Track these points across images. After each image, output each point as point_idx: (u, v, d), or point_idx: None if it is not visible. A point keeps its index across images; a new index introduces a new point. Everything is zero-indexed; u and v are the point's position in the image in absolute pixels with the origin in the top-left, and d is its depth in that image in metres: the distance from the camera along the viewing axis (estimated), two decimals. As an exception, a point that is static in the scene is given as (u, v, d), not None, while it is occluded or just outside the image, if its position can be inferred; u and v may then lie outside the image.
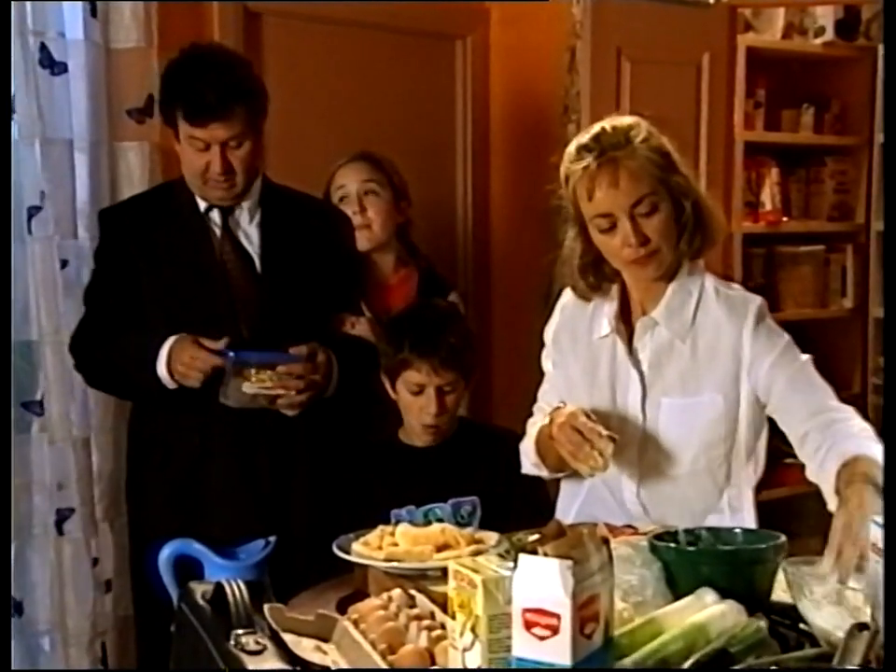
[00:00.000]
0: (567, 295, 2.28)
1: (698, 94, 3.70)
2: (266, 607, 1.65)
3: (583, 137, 2.07)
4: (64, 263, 2.81)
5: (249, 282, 2.57)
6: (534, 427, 2.23)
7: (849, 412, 2.01)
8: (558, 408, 2.12)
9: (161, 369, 2.48)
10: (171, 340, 2.48)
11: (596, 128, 2.07)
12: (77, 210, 2.84)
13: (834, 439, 1.93)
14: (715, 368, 2.10)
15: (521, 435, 2.29)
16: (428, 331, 2.47)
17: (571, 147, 2.08)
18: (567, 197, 2.09)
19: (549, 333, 2.30)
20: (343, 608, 1.81)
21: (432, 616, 1.65)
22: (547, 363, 2.30)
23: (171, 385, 2.50)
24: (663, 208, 2.05)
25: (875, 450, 1.85)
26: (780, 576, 1.70)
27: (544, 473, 2.25)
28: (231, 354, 2.44)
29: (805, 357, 2.10)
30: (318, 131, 3.34)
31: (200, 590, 1.71)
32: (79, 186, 2.84)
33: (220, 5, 3.15)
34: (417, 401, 2.47)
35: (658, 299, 2.13)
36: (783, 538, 1.76)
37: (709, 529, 1.86)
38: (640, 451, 2.13)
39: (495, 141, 3.89)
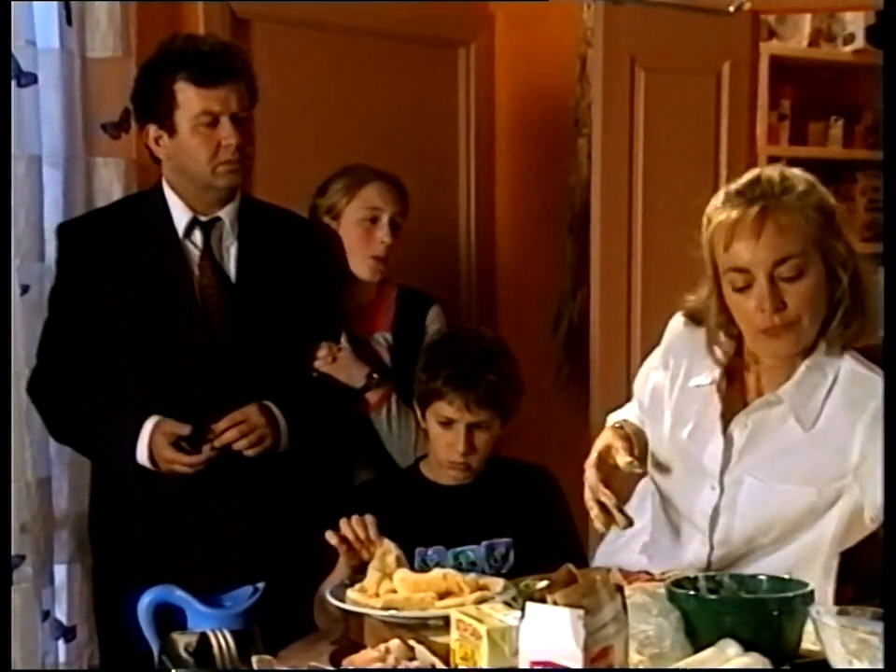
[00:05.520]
0: (678, 322, 2.20)
1: (718, 106, 3.70)
2: (254, 659, 1.66)
3: (735, 183, 2.00)
4: (25, 289, 2.76)
5: (226, 316, 2.57)
6: None
7: None
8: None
9: (143, 457, 2.50)
10: (148, 427, 2.49)
11: (751, 174, 1.99)
12: (44, 230, 2.80)
13: None
14: (817, 457, 1.97)
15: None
16: (468, 364, 2.41)
17: (720, 192, 2.00)
18: (705, 248, 2.00)
19: (657, 357, 2.21)
20: (337, 660, 1.82)
21: (433, 669, 1.66)
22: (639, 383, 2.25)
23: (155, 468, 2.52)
24: (811, 274, 1.93)
25: None
26: (809, 626, 1.71)
27: None
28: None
29: None
30: (311, 144, 3.35)
31: (183, 641, 1.71)
32: (51, 204, 2.82)
33: (206, 10, 3.17)
34: (445, 436, 2.42)
35: (783, 376, 2.01)
36: (812, 585, 1.77)
37: (732, 576, 1.86)
38: (712, 521, 2.05)
39: (500, 154, 3.91)
